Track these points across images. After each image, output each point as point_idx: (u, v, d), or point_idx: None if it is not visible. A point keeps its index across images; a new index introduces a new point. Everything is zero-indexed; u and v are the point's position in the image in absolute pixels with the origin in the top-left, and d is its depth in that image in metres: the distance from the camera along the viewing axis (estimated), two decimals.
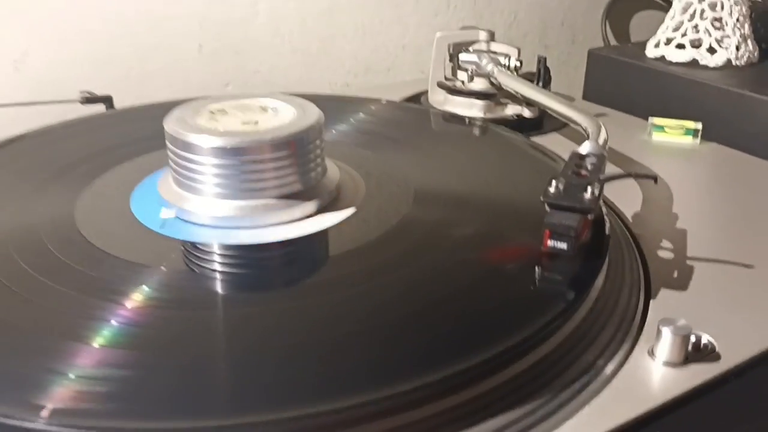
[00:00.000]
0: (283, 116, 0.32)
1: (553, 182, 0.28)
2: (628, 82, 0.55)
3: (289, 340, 0.24)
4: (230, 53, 0.57)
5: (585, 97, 0.58)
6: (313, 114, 0.32)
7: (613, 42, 0.74)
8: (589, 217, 0.28)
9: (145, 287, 0.26)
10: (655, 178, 0.33)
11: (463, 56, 0.48)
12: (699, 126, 0.45)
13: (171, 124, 0.31)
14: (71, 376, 0.22)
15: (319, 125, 0.32)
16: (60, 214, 0.32)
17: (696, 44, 0.55)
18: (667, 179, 0.40)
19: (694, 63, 0.54)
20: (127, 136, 0.41)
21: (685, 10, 0.56)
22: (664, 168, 0.41)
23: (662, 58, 0.55)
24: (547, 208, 0.27)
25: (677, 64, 0.54)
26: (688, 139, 0.46)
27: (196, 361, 0.23)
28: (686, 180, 0.41)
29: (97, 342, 0.23)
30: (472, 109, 0.47)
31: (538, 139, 0.44)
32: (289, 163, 0.31)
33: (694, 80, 0.51)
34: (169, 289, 0.27)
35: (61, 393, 0.21)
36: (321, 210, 0.32)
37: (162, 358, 0.23)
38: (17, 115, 0.45)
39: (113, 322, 0.24)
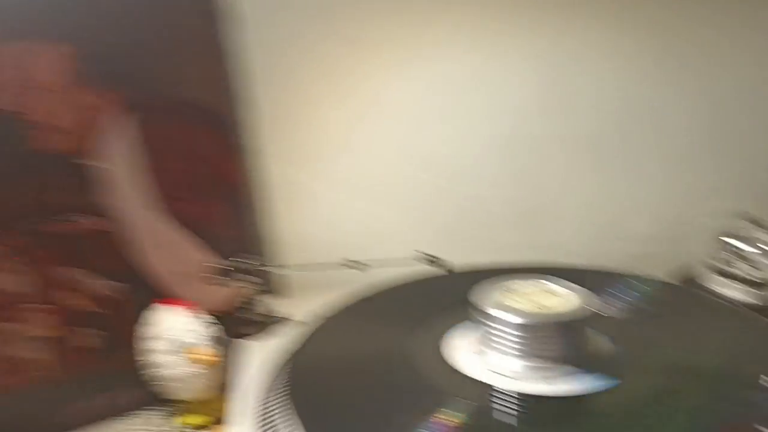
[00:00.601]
0: (562, 299, 0.45)
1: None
2: None
3: None
4: (539, 229, 0.71)
5: None
6: (587, 300, 0.44)
7: None
8: None
9: (456, 413, 0.39)
10: None
11: (731, 242, 0.55)
12: None
13: (477, 298, 0.45)
14: None
15: (589, 311, 0.43)
16: (399, 350, 0.47)
17: None
18: None
19: None
20: (455, 294, 0.56)
21: None
22: None
23: None
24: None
25: None
26: None
27: None
28: None
29: None
30: (740, 293, 0.54)
31: None
32: (563, 338, 0.43)
33: None
34: (474, 419, 0.39)
35: None
36: (588, 375, 0.42)
37: None
38: (386, 270, 0.63)
39: None
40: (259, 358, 0.52)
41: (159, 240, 0.61)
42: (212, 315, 0.60)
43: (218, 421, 0.59)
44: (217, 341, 0.58)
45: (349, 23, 0.65)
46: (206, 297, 0.62)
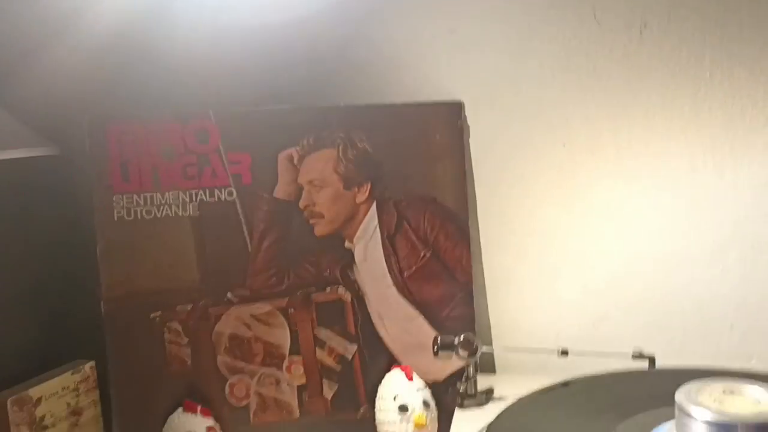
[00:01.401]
0: (763, 404, 0.46)
1: None
2: None
3: None
4: (758, 333, 0.70)
5: None
6: None
7: None
8: None
9: None
10: None
11: None
12: None
13: (680, 395, 0.48)
14: None
15: None
16: None
17: None
18: None
19: None
20: (659, 390, 0.58)
21: None
22: None
23: None
24: None
25: None
26: None
27: None
28: None
29: None
30: None
31: None
32: None
33: None
34: None
35: None
36: None
37: None
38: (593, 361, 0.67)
39: None
40: (466, 426, 0.59)
41: (394, 312, 0.71)
42: (432, 383, 0.69)
43: None
44: (433, 407, 0.66)
45: (562, 129, 0.72)
46: (429, 367, 0.70)
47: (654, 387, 0.59)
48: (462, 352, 0.64)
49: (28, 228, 0.65)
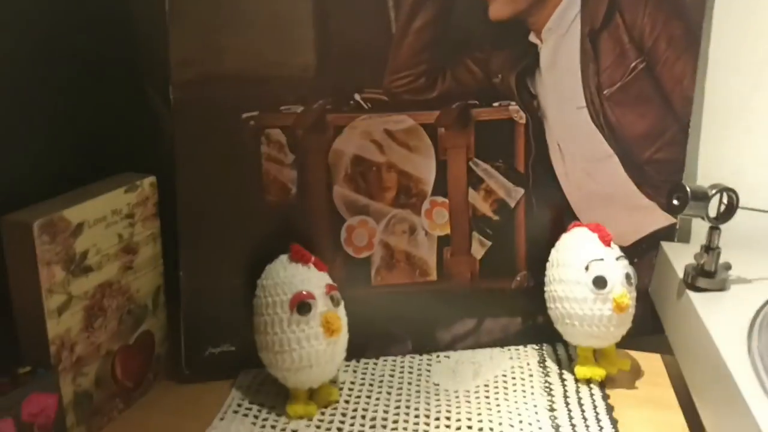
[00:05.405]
0: None
1: None
2: None
3: None
4: None
5: None
6: None
7: None
8: None
9: None
10: None
11: None
12: None
13: None
14: None
15: None
16: None
17: None
18: None
19: None
20: None
21: None
22: None
23: None
24: None
25: None
26: None
27: None
28: None
29: None
30: None
31: None
32: None
33: None
34: None
35: None
36: None
37: None
38: None
39: None
40: (729, 313, 0.40)
41: (580, 146, 0.50)
42: (630, 249, 0.49)
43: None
44: (635, 284, 0.47)
45: None
46: (615, 227, 0.50)
47: None
48: (712, 211, 0.43)
49: None
